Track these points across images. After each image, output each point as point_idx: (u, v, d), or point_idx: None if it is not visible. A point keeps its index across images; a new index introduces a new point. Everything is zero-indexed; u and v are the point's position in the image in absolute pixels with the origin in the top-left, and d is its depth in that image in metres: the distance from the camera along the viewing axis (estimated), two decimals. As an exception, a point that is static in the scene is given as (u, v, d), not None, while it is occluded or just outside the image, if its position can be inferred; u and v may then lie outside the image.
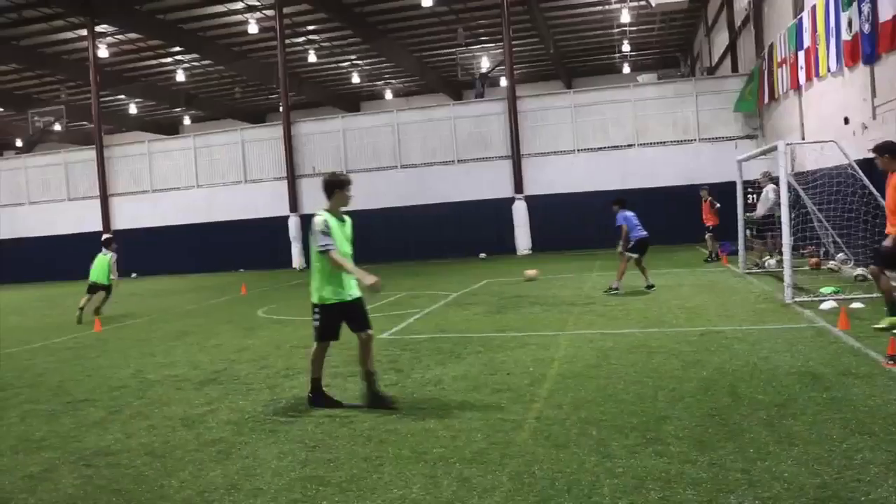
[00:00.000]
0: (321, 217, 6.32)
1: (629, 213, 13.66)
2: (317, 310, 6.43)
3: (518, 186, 27.83)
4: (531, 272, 17.35)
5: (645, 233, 13.68)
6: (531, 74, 43.35)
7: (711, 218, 19.24)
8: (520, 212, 27.69)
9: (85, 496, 4.73)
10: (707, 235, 19.31)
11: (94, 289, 15.03)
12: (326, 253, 6.20)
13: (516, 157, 27.90)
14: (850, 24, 14.32)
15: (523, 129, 28.11)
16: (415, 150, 29.49)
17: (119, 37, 32.17)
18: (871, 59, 13.56)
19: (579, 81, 43.48)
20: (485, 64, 37.58)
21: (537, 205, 27.63)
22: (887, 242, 8.13)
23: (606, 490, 4.22)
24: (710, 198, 19.40)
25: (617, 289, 13.44)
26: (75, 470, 5.24)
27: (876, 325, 8.25)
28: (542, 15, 32.19)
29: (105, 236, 16.43)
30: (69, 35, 31.33)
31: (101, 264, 15.02)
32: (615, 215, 13.71)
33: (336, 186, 6.41)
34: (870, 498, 3.87)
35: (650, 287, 13.43)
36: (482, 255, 27.50)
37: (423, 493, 4.37)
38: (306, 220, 29.27)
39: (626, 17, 31.98)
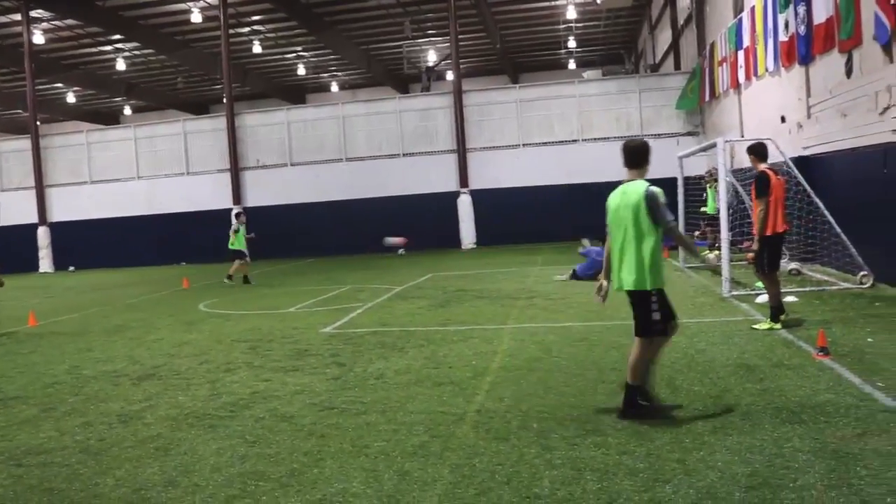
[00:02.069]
0: (656, 188, 5.38)
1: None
2: (654, 297, 5.41)
3: (463, 180, 27.89)
4: None
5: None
6: (477, 69, 43.40)
7: None
8: (465, 206, 27.76)
9: (15, 497, 4.59)
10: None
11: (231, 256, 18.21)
12: (674, 229, 5.44)
13: (461, 151, 27.95)
14: (787, 25, 14.71)
15: (469, 124, 28.18)
16: (360, 143, 29.30)
17: (56, 23, 31.15)
18: (807, 59, 13.96)
19: (525, 77, 43.69)
20: (431, 57, 37.51)
21: (482, 199, 27.70)
22: (755, 246, 8.48)
23: (546, 481, 4.27)
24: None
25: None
26: (4, 470, 5.09)
27: (755, 326, 8.46)
28: (488, 10, 32.27)
29: (236, 210, 18.98)
30: (2, 20, 30.27)
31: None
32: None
33: (649, 154, 5.54)
34: (798, 484, 4.00)
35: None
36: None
37: (364, 487, 4.36)
38: (251, 213, 29.06)
39: (571, 14, 32.20)
